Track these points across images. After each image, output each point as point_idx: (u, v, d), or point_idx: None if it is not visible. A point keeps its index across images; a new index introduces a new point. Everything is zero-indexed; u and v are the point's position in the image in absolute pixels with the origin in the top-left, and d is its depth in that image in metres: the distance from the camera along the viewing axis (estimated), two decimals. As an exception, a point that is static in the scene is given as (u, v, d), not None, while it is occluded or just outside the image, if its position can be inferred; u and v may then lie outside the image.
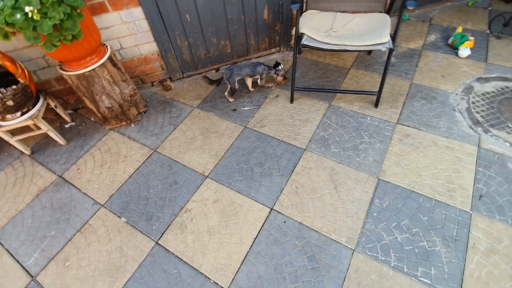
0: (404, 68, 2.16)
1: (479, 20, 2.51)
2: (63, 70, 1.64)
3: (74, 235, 1.50)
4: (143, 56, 2.08)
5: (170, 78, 2.30)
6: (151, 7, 1.84)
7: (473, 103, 1.86)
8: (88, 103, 1.81)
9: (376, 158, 1.65)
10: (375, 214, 1.44)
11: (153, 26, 1.93)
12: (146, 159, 1.80)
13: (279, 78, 2.11)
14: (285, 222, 1.45)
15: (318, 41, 1.66)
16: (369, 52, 2.32)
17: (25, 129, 1.87)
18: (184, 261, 1.36)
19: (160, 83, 2.29)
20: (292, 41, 1.74)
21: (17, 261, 1.43)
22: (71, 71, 1.61)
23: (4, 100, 1.53)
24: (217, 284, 1.28)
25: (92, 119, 2.10)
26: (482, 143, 1.66)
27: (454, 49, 2.23)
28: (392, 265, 1.28)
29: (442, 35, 2.41)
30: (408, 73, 2.12)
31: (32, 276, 1.37)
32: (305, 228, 1.42)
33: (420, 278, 1.24)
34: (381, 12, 1.83)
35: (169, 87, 2.25)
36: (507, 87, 1.93)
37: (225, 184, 1.63)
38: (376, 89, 1.84)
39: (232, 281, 1.28)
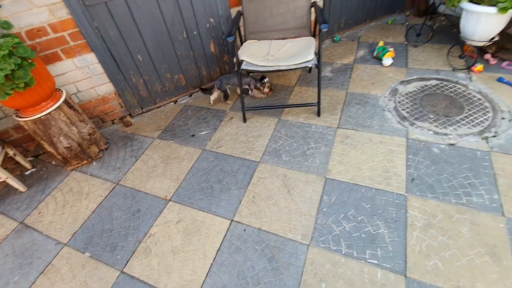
0: (340, 80, 2.45)
1: (398, 34, 2.94)
2: (20, 117, 1.72)
3: (38, 277, 1.49)
4: (100, 97, 2.20)
5: (130, 114, 2.42)
6: (103, 52, 2.01)
7: (399, 102, 2.14)
8: (47, 146, 1.86)
9: (322, 160, 1.83)
10: (325, 209, 1.57)
11: (107, 68, 2.09)
12: (108, 193, 1.85)
13: (266, 90, 2.35)
14: (245, 230, 1.54)
15: (256, 64, 1.89)
16: (309, 70, 2.61)
17: (-18, 180, 1.87)
18: (149, 284, 1.39)
19: (120, 120, 2.39)
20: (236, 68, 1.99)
21: (-25, 315, 1.38)
22: (28, 117, 1.69)
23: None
24: (183, 300, 1.31)
25: (54, 163, 2.13)
26: (410, 134, 1.90)
27: (379, 60, 2.58)
28: (343, 252, 1.40)
29: (369, 49, 2.78)
30: (343, 84, 2.41)
31: (-10, 328, 1.33)
32: (263, 233, 1.52)
33: (369, 260, 1.36)
34: (308, 36, 2.12)
35: (129, 123, 2.36)
36: (426, 85, 2.25)
37: (187, 204, 1.71)
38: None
39: (197, 295, 1.33)
